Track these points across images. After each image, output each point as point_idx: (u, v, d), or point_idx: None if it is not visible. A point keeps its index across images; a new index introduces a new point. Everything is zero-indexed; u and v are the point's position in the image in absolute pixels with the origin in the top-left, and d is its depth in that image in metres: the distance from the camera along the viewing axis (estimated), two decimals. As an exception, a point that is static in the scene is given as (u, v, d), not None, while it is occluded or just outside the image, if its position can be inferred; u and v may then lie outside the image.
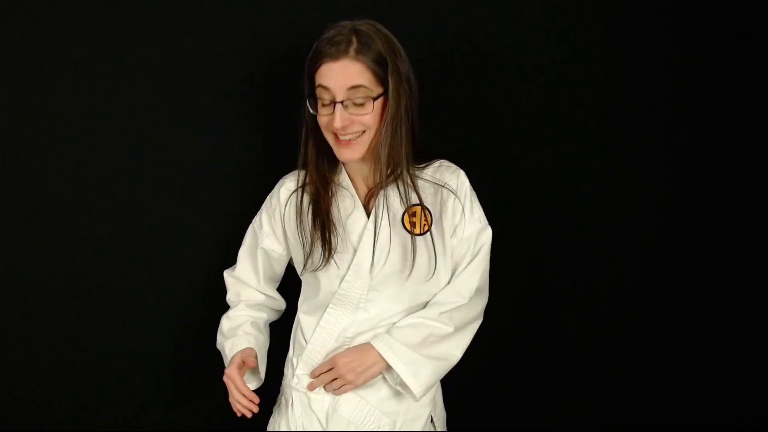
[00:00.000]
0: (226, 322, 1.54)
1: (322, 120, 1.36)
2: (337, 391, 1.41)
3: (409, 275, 1.41)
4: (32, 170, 1.66)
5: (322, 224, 1.42)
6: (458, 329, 1.43)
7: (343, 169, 1.47)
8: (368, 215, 1.43)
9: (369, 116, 1.34)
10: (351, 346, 1.42)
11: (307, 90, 1.38)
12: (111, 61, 1.66)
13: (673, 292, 1.92)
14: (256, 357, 1.44)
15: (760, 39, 1.85)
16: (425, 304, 1.45)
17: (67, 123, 1.66)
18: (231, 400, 1.40)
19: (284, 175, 1.54)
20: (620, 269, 1.90)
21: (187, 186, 1.73)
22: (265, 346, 1.53)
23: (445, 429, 1.56)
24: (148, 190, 1.71)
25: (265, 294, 1.57)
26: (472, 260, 1.45)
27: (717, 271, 1.93)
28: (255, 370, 1.48)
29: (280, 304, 1.61)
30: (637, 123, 1.86)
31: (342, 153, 1.37)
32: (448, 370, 1.44)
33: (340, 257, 1.42)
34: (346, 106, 1.33)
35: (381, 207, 1.41)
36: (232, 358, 1.42)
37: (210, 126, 1.72)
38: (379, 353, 1.38)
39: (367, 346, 1.40)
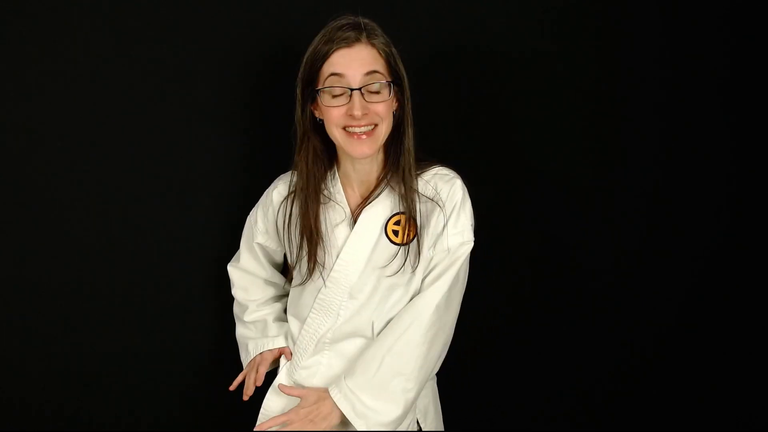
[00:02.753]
0: (244, 324, 1.57)
1: (334, 113, 1.30)
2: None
3: (387, 283, 1.39)
4: (32, 170, 1.67)
5: (308, 239, 1.39)
6: (395, 344, 1.36)
7: (337, 176, 1.42)
8: (354, 223, 1.40)
9: (384, 105, 1.30)
10: (309, 387, 1.41)
11: (306, 87, 1.34)
12: (110, 62, 1.66)
13: (673, 293, 1.92)
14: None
15: (760, 39, 1.85)
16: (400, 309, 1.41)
17: (66, 123, 1.66)
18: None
19: (277, 172, 1.52)
20: (620, 269, 1.90)
21: (185, 185, 1.73)
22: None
23: (442, 429, 1.55)
24: (146, 190, 1.71)
25: (273, 284, 1.58)
26: (442, 274, 1.38)
27: (717, 271, 1.92)
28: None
29: (280, 279, 1.61)
30: (638, 123, 1.86)
31: (356, 149, 1.32)
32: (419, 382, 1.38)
33: (319, 272, 1.41)
34: (362, 94, 1.28)
35: (367, 217, 1.39)
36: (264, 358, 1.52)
37: (208, 125, 1.72)
38: (334, 402, 1.34)
39: (322, 392, 1.37)
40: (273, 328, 1.54)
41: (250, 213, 1.56)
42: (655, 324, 1.93)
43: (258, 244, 1.53)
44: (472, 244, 1.41)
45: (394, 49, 1.34)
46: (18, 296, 1.69)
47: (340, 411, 1.34)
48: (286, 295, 1.58)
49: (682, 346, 1.94)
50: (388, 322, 1.41)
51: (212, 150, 1.73)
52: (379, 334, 1.40)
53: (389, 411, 1.33)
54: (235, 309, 1.61)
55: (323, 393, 1.37)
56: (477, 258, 1.45)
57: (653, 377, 1.95)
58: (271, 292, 1.58)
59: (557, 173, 1.85)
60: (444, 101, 1.79)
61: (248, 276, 1.58)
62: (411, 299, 1.41)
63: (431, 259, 1.40)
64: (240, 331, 1.59)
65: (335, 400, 1.35)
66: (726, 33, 1.85)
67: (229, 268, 1.60)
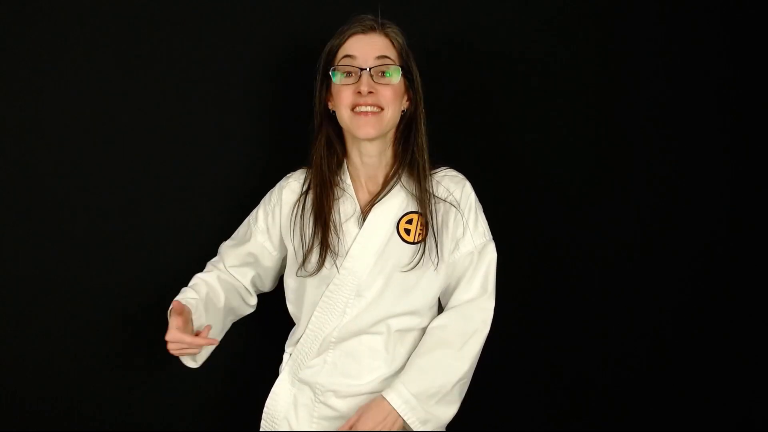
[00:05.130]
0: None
1: (343, 91, 1.37)
2: None
3: (397, 283, 1.40)
4: (33, 170, 1.67)
5: (322, 229, 1.40)
6: (462, 349, 1.41)
7: (347, 170, 1.45)
8: (364, 219, 1.42)
9: (392, 89, 1.37)
10: (366, 403, 1.39)
11: (323, 75, 1.41)
12: (113, 61, 1.66)
13: (674, 292, 1.92)
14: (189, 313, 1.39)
15: (760, 39, 1.85)
16: (408, 310, 1.42)
17: (69, 123, 1.66)
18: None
19: (286, 173, 1.53)
20: (621, 269, 1.90)
21: (189, 185, 1.73)
22: (205, 307, 1.45)
23: (443, 429, 1.56)
24: (148, 190, 1.71)
25: (235, 277, 1.54)
26: (485, 277, 1.44)
27: (717, 271, 1.92)
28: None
29: (247, 295, 1.56)
30: (639, 123, 1.86)
31: (361, 128, 1.36)
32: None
33: (332, 262, 1.41)
34: (372, 76, 1.35)
35: (377, 214, 1.41)
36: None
37: (212, 126, 1.72)
38: (396, 411, 1.36)
39: (383, 404, 1.37)
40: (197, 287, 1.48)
41: (250, 214, 1.55)
42: (656, 325, 1.93)
43: (254, 243, 1.51)
44: (494, 245, 1.47)
45: (408, 49, 1.42)
46: (18, 296, 1.69)
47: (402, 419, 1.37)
48: (239, 299, 1.55)
49: (683, 348, 1.94)
50: (409, 322, 1.42)
51: (217, 151, 1.73)
52: (411, 333, 1.43)
53: (451, 412, 1.42)
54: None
55: (385, 405, 1.36)
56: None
57: (654, 379, 1.95)
58: (226, 276, 1.53)
59: (558, 174, 1.85)
60: (446, 101, 1.79)
61: (219, 259, 1.56)
62: (431, 300, 1.44)
63: (455, 264, 1.44)
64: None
65: (401, 413, 1.35)
66: (726, 33, 1.85)
67: (221, 246, 1.58)
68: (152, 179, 1.70)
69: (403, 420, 1.37)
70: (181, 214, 1.73)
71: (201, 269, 1.74)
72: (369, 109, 1.36)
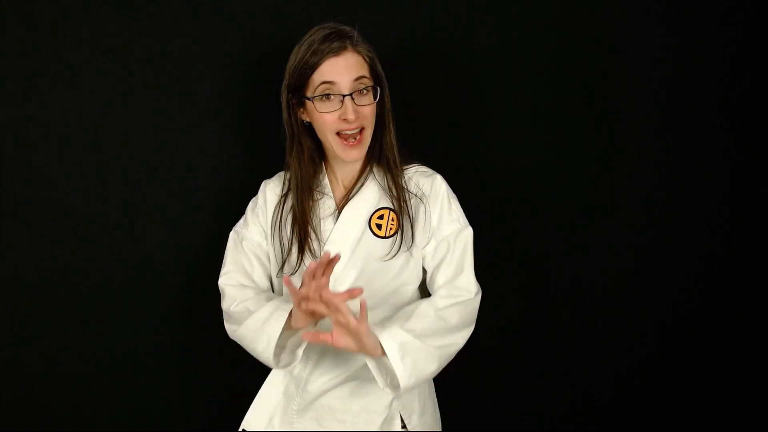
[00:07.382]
0: (234, 311, 1.44)
1: (327, 118, 1.37)
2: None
3: (371, 277, 1.42)
4: (31, 170, 1.67)
5: (300, 231, 1.43)
6: (462, 324, 1.40)
7: (325, 171, 1.48)
8: (339, 214, 1.44)
9: (371, 107, 1.38)
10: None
11: (294, 94, 1.39)
12: (109, 62, 1.67)
13: (674, 293, 1.92)
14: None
15: (760, 39, 1.84)
16: (386, 303, 1.43)
17: (64, 123, 1.67)
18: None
19: (278, 172, 1.54)
20: (617, 270, 1.90)
21: (182, 187, 1.73)
22: None
23: (440, 429, 1.56)
24: (144, 190, 1.72)
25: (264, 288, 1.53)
26: (460, 259, 1.43)
27: (718, 272, 1.92)
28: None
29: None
30: (635, 123, 1.86)
31: (349, 153, 1.39)
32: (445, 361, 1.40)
33: (314, 255, 1.43)
34: (353, 99, 1.36)
35: (351, 209, 1.44)
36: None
37: (204, 128, 1.73)
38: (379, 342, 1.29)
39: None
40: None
41: (233, 229, 1.53)
42: (655, 326, 1.93)
43: (248, 243, 1.49)
44: (471, 230, 1.46)
45: (373, 53, 1.42)
46: (18, 296, 1.70)
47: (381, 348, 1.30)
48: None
49: (683, 348, 1.94)
50: (386, 313, 1.41)
51: (211, 151, 1.74)
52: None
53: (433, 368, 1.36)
54: (232, 317, 1.47)
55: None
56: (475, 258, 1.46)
57: (654, 379, 1.95)
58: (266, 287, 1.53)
59: (552, 175, 1.85)
60: (432, 101, 1.79)
61: (238, 287, 1.50)
62: (408, 293, 1.46)
63: (434, 253, 1.44)
64: (250, 322, 1.42)
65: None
66: (726, 33, 1.85)
67: (219, 283, 1.52)
68: (147, 180, 1.71)
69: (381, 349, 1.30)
70: (178, 214, 1.74)
71: (198, 268, 1.75)
72: (354, 131, 1.37)
